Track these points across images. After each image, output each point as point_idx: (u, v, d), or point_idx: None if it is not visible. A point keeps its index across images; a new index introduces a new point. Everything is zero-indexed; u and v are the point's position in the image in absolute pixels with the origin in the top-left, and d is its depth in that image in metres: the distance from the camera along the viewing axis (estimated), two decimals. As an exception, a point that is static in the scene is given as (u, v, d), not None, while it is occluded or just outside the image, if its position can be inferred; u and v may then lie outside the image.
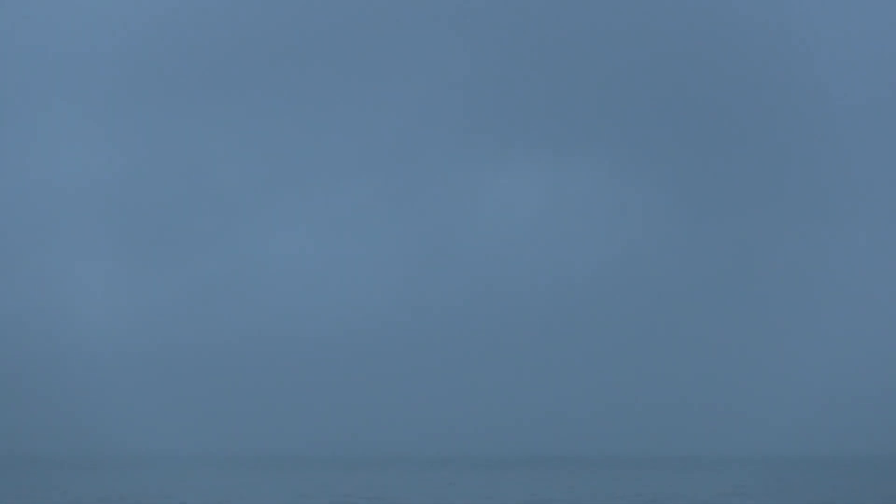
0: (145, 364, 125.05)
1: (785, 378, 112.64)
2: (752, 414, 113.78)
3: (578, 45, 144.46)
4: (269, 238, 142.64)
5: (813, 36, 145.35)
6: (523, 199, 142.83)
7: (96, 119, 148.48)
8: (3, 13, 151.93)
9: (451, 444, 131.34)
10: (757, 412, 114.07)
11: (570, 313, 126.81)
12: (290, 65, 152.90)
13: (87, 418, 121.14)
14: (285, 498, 44.88)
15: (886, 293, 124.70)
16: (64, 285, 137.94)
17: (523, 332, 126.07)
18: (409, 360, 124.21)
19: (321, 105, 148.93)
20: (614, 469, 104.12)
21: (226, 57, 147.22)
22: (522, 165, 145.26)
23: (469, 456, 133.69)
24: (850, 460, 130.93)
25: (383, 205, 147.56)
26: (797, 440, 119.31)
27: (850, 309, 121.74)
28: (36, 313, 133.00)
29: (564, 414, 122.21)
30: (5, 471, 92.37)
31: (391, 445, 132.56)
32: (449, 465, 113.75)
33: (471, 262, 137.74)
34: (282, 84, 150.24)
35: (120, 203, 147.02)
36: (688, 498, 44.81)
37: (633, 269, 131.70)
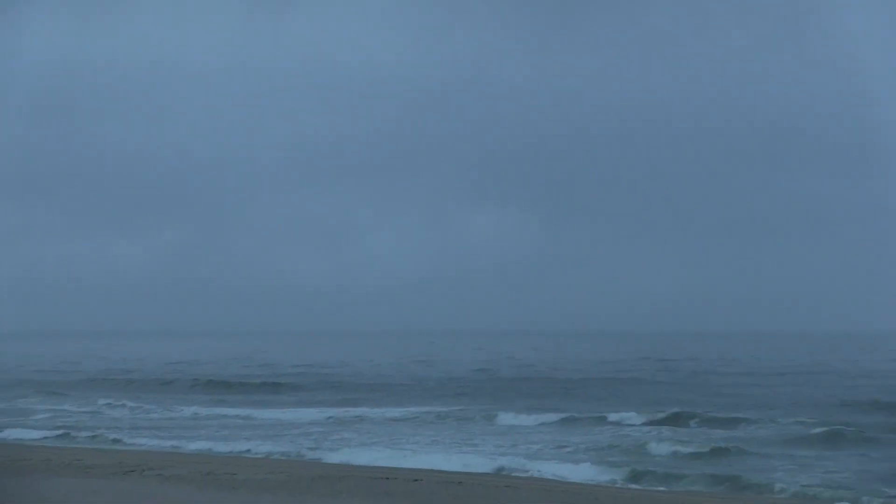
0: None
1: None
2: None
3: (517, 156, 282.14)
4: (373, 240, 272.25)
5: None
6: (486, 227, 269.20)
7: (296, 191, 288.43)
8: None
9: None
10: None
11: (510, 273, 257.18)
12: (382, 163, 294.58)
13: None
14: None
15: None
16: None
17: (491, 283, 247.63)
18: (434, 296, 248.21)
19: (396, 183, 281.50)
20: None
21: (358, 163, 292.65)
22: (486, 212, 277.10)
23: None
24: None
25: (421, 228, 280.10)
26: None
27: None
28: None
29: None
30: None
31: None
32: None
33: (462, 253, 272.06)
34: (380, 172, 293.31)
35: (313, 226, 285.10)
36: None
37: (532, 260, 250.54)
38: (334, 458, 26.63)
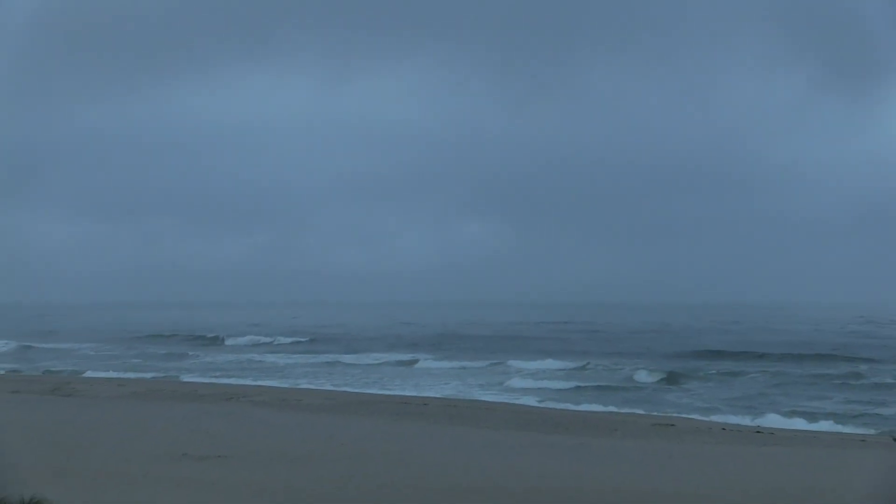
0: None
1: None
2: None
3: (498, 183, 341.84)
4: (398, 240, 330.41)
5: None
6: (475, 231, 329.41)
7: (346, 206, 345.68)
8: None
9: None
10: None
11: (490, 262, 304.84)
12: (405, 188, 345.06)
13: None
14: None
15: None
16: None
17: (477, 269, 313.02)
18: (438, 278, 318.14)
19: (414, 201, 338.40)
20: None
21: (389, 188, 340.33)
22: (475, 222, 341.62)
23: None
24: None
25: (430, 232, 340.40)
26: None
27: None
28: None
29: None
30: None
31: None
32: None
33: (458, 249, 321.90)
34: (404, 194, 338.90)
35: (357, 230, 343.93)
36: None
37: (507, 254, 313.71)
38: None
